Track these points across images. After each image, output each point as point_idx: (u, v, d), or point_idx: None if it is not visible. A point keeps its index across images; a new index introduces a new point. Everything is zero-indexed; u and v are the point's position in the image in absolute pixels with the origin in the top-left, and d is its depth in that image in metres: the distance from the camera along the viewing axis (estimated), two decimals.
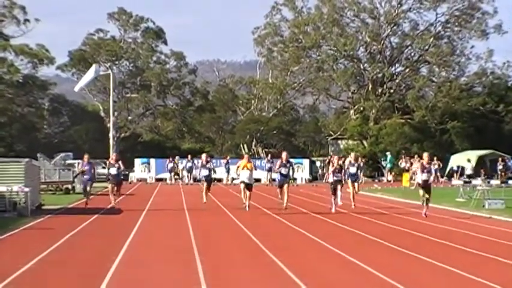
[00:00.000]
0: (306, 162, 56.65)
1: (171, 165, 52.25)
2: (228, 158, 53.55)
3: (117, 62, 70.27)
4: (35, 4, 70.64)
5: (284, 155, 26.24)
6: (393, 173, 53.95)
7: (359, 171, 29.16)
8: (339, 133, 66.82)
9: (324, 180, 48.66)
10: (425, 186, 23.68)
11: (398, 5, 65.31)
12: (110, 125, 60.96)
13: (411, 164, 46.38)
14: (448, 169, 51.60)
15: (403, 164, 50.83)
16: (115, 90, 64.22)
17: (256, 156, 63.87)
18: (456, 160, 52.37)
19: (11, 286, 11.18)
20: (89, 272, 12.45)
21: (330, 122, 71.12)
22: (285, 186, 25.59)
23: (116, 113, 63.94)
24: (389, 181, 52.35)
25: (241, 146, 70.61)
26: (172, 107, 72.33)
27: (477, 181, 32.81)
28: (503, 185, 35.78)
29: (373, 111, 65.63)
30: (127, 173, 51.72)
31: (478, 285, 11.38)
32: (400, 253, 15.03)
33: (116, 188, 27.08)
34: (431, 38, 64.96)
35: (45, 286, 11.51)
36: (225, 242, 17.29)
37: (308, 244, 16.69)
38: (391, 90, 66.90)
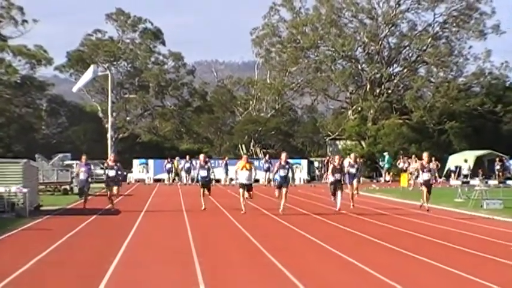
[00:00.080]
0: (304, 162, 56.65)
1: (169, 165, 52.21)
2: (227, 158, 53.54)
3: (115, 63, 70.25)
4: (32, 5, 70.60)
5: (283, 155, 25.84)
6: (391, 174, 53.98)
7: (358, 171, 29.13)
8: (337, 133, 66.84)
9: (322, 181, 48.63)
10: (427, 185, 23.72)
11: (396, 6, 65.38)
12: (108, 125, 60.94)
13: (409, 164, 46.40)
14: (445, 169, 51.64)
15: (401, 164, 50.86)
16: (113, 91, 64.23)
17: (255, 156, 63.84)
18: (454, 160, 52.47)
19: (9, 287, 11.18)
20: (88, 273, 12.44)
21: (328, 122, 71.18)
22: (284, 190, 24.92)
23: (114, 114, 63.93)
24: (387, 181, 52.36)
25: (240, 146, 70.63)
26: (171, 107, 72.34)
27: (475, 181, 32.82)
28: (501, 185, 35.82)
29: (371, 111, 65.67)
30: (125, 174, 51.72)
31: (477, 286, 11.37)
32: (399, 254, 15.02)
33: (114, 190, 26.89)
34: (429, 39, 65.02)
35: (43, 287, 11.50)
36: (224, 242, 17.27)
37: (307, 245, 16.66)
38: (389, 91, 66.95)
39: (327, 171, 38.04)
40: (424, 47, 65.31)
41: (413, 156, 47.00)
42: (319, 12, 65.84)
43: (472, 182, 34.09)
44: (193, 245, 16.10)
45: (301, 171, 54.73)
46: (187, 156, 51.35)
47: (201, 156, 27.65)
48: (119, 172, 26.96)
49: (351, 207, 26.37)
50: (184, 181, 50.45)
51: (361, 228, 19.98)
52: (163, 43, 71.01)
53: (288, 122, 74.44)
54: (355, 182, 27.18)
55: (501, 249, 15.71)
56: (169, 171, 52.11)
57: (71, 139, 69.33)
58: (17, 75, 63.90)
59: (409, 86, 66.93)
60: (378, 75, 66.33)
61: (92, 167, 30.24)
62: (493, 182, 35.38)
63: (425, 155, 24.35)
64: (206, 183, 26.66)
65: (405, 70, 67.49)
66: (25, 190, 24.17)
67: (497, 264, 13.61)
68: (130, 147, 68.34)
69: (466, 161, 48.37)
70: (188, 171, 49.85)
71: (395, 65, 68.37)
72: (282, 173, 25.17)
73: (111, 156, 30.17)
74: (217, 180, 48.04)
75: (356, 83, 68.91)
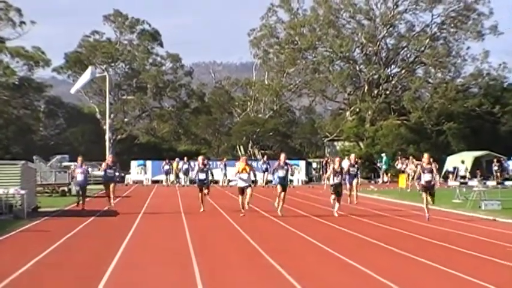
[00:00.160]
0: (302, 163, 56.63)
1: (167, 167, 52.16)
2: (225, 160, 53.49)
3: (113, 64, 70.23)
4: (30, 6, 70.53)
5: (282, 156, 25.86)
6: (389, 174, 53.99)
7: (358, 172, 29.17)
8: (335, 134, 66.87)
9: (322, 181, 48.55)
10: (429, 187, 23.14)
11: (394, 7, 65.43)
12: (106, 127, 60.86)
13: (407, 165, 46.39)
14: (444, 170, 51.65)
15: (399, 165, 50.87)
16: (111, 92, 64.22)
17: (253, 157, 63.85)
18: (452, 161, 52.51)
19: None
20: (86, 274, 12.41)
21: (326, 123, 71.22)
22: (283, 193, 24.76)
23: (112, 115, 63.91)
24: (385, 182, 52.36)
25: (238, 147, 70.63)
26: (169, 109, 72.34)
27: (473, 182, 32.81)
28: (499, 186, 35.79)
29: (369, 112, 65.68)
30: (123, 175, 51.71)
31: None
32: (399, 255, 14.98)
33: (111, 187, 27.07)
34: (427, 39, 65.06)
35: None
36: (222, 244, 17.23)
37: (306, 246, 16.62)
38: (387, 92, 66.97)
39: (326, 172, 38.01)
40: (422, 48, 65.37)
41: (410, 157, 47.00)
42: (317, 13, 65.87)
43: (470, 182, 34.08)
44: (191, 247, 16.06)
45: (299, 172, 54.70)
46: (185, 158, 51.33)
47: (200, 158, 27.33)
48: (117, 173, 27.22)
49: (355, 203, 26.46)
50: (183, 182, 50.41)
51: (361, 229, 19.95)
52: (161, 44, 71.10)
53: (286, 123, 74.45)
54: (354, 182, 27.17)
55: (499, 250, 15.71)
56: (167, 173, 52.03)
57: (68, 140, 69.30)
58: (14, 76, 63.89)
59: (407, 87, 66.97)
60: (375, 76, 66.36)
61: (90, 169, 30.29)
62: (491, 183, 35.40)
63: (425, 156, 23.89)
64: (204, 185, 26.34)
65: (403, 71, 67.53)
66: (23, 192, 24.13)
67: (496, 266, 13.60)
68: (128, 149, 68.32)
69: (463, 162, 48.38)
70: (186, 172, 49.82)
71: (393, 66, 68.47)
72: (280, 173, 25.12)
73: (109, 157, 30.17)
74: (216, 182, 48.02)
75: (354, 84, 68.95)
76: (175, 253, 15.28)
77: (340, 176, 25.24)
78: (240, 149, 69.61)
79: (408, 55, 67.87)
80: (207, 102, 74.27)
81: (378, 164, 56.75)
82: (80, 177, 27.51)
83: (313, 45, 65.97)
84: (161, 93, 70.64)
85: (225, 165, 51.03)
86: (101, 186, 30.75)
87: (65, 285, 11.63)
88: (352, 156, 29.55)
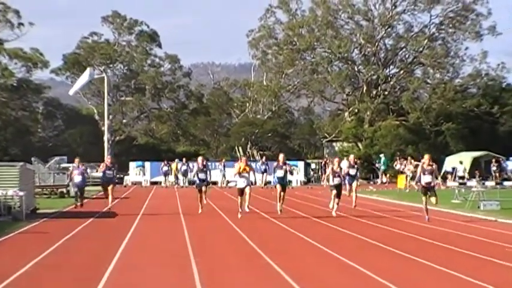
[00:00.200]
0: (301, 164, 56.60)
1: (165, 168, 52.13)
2: (224, 161, 53.46)
3: (111, 65, 70.20)
4: (29, 8, 70.56)
5: (281, 157, 25.89)
6: (388, 175, 53.98)
7: (358, 173, 29.14)
8: (333, 135, 66.87)
9: (321, 182, 48.56)
10: (428, 188, 22.90)
11: (393, 7, 65.45)
12: (105, 128, 60.86)
13: (405, 166, 46.39)
14: (442, 171, 51.64)
15: (397, 166, 50.88)
16: (109, 94, 64.19)
17: (251, 158, 63.84)
18: (451, 162, 52.50)
19: None
20: (85, 276, 12.39)
21: (325, 124, 71.23)
22: (282, 193, 24.78)
23: (110, 116, 63.88)
24: (384, 183, 52.36)
25: (236, 148, 70.62)
26: (167, 110, 72.32)
27: (472, 182, 32.80)
28: (498, 186, 35.80)
29: (368, 113, 65.68)
30: (122, 176, 51.70)
31: None
32: (399, 256, 14.95)
33: (109, 188, 27.03)
34: (426, 40, 65.08)
35: None
36: (221, 245, 17.19)
37: (305, 247, 16.58)
38: (386, 92, 66.98)
39: (325, 173, 37.96)
40: (421, 49, 65.40)
41: (409, 158, 47.00)
42: (315, 14, 65.89)
43: (469, 183, 34.08)
44: (190, 248, 16.04)
45: (297, 173, 54.66)
46: (184, 159, 51.32)
47: (199, 159, 27.22)
48: (115, 174, 27.26)
49: (353, 206, 26.40)
50: (181, 184, 50.38)
51: (360, 230, 19.91)
52: (159, 45, 71.08)
53: (285, 124, 74.47)
54: (354, 184, 27.15)
55: (498, 250, 15.70)
56: (166, 174, 52.00)
57: (67, 142, 69.26)
58: (13, 78, 63.87)
59: (405, 87, 66.97)
60: (374, 77, 66.37)
61: (89, 170, 30.30)
62: (490, 183, 35.41)
63: (426, 157, 23.64)
64: (204, 185, 26.23)
65: (401, 72, 67.54)
66: (21, 193, 24.10)
67: (495, 266, 13.59)
68: (126, 150, 68.31)
69: (461, 162, 48.41)
70: (185, 173, 49.80)
71: (391, 67, 68.48)
72: (279, 173, 25.16)
73: (107, 158, 30.16)
74: (214, 183, 48.00)
75: (352, 85, 68.96)
76: (174, 254, 15.25)
77: (339, 177, 25.22)
78: (238, 150, 69.59)
79: (407, 56, 67.92)
80: (206, 103, 74.26)
81: (377, 165, 56.75)
82: (77, 178, 27.55)
83: (311, 46, 65.97)
84: (160, 94, 70.63)
85: (224, 166, 51.04)
86: (99, 188, 30.71)
87: (64, 287, 11.62)
88: (351, 156, 29.51)
